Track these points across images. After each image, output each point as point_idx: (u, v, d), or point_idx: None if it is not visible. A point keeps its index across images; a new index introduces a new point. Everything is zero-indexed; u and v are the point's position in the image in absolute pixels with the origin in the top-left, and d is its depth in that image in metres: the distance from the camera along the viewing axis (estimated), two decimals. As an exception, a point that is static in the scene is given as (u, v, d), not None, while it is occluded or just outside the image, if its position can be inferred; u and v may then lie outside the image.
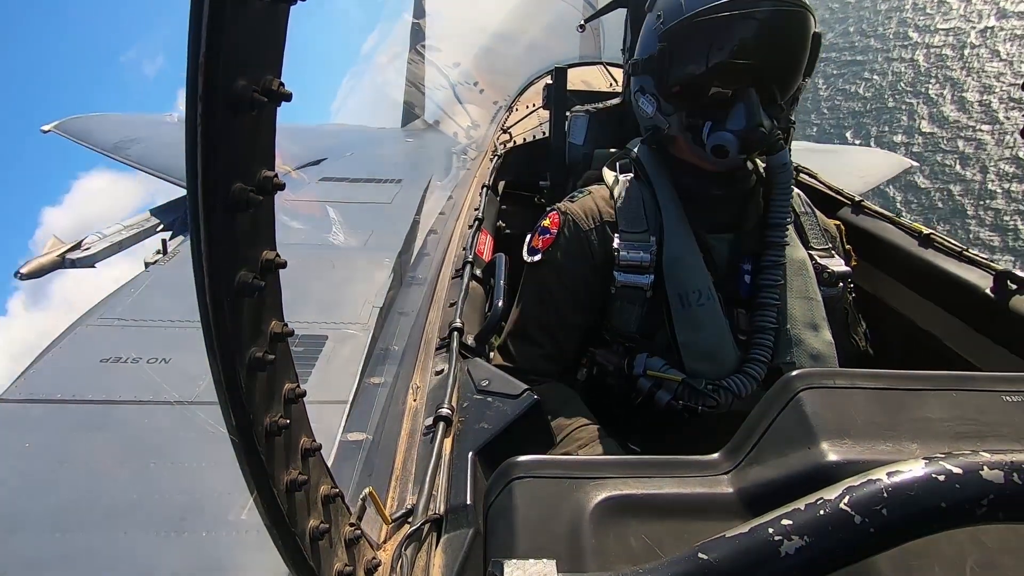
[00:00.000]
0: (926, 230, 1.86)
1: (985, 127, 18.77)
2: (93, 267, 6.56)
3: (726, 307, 1.48)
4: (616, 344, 1.51)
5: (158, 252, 5.51)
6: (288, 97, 0.59)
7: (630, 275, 1.46)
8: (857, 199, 2.12)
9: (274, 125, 0.60)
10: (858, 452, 0.66)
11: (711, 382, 1.42)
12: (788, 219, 1.51)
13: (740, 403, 1.42)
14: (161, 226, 7.17)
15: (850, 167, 8.67)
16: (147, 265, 5.10)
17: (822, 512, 0.43)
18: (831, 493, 0.44)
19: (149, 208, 7.56)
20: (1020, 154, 17.57)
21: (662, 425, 1.47)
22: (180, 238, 6.24)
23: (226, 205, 0.55)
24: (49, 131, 9.43)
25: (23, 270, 6.10)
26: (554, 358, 1.57)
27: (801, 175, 2.35)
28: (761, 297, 1.47)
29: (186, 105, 0.50)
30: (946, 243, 1.78)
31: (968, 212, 17.07)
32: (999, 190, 17.18)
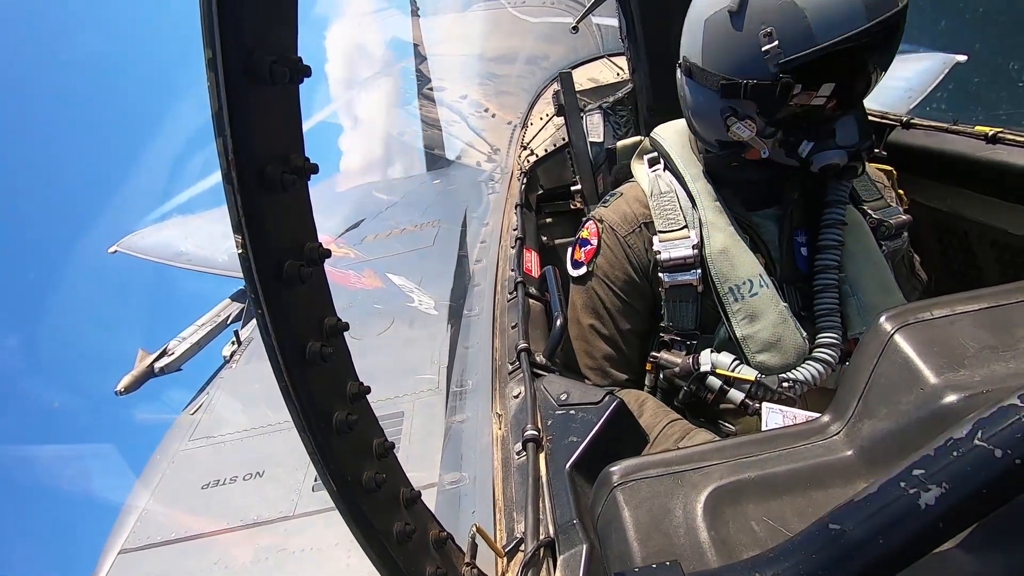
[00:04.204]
0: (991, 129, 1.72)
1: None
2: (180, 370, 7.02)
3: (784, 288, 1.41)
4: (677, 344, 1.46)
5: (233, 343, 5.84)
6: (315, 170, 0.62)
7: (676, 274, 1.41)
8: (906, 118, 1.99)
9: (308, 197, 0.63)
10: (978, 382, 0.61)
11: (785, 378, 1.34)
12: (845, 211, 1.40)
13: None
14: (231, 316, 7.62)
15: (889, 83, 8.06)
16: (225, 360, 5.41)
17: (955, 453, 0.39)
18: (960, 431, 0.40)
19: (229, 295, 8.08)
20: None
21: (743, 419, 1.40)
22: (251, 324, 6.59)
23: (282, 283, 0.58)
24: (116, 251, 10.07)
25: (119, 388, 6.57)
26: (621, 365, 1.54)
27: None
28: (818, 278, 1.38)
29: (227, 198, 0.53)
30: (1018, 137, 1.64)
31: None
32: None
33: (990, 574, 0.50)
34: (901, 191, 1.63)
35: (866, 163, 1.40)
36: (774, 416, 1.18)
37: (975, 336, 0.66)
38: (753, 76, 1.22)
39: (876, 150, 2.03)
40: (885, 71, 1.27)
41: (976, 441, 0.39)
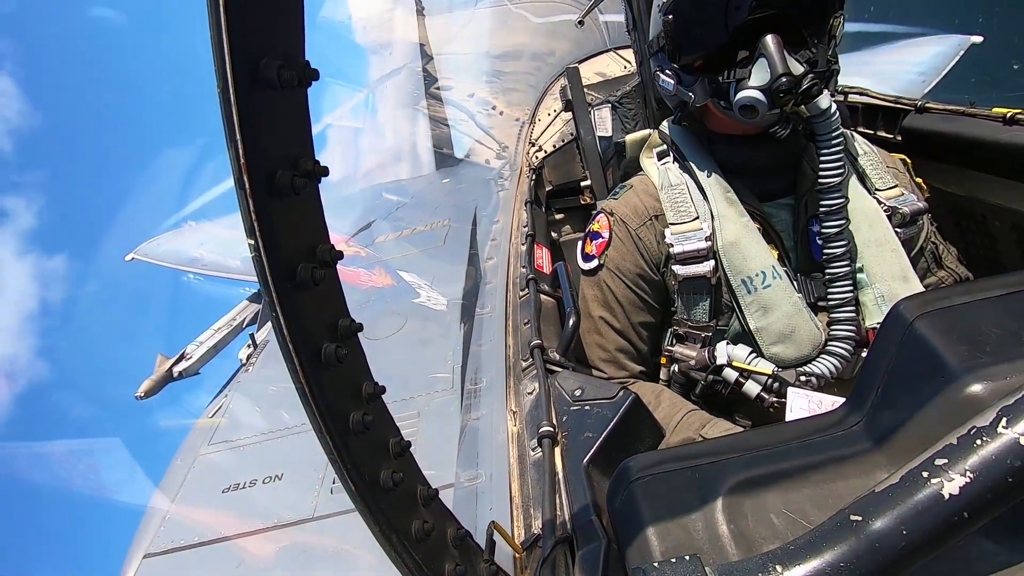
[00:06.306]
0: (1008, 110, 1.68)
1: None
2: (198, 373, 7.12)
3: (799, 279, 1.40)
4: (692, 337, 1.45)
5: (249, 346, 5.91)
6: (325, 172, 0.62)
7: (689, 266, 1.41)
8: (920, 102, 1.96)
9: (319, 200, 0.63)
10: (1002, 369, 0.59)
11: (802, 371, 1.33)
12: (841, 176, 1.37)
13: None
14: (247, 319, 7.71)
15: (903, 67, 7.91)
16: (241, 363, 5.48)
17: (979, 442, 0.39)
18: (983, 419, 0.40)
19: (246, 297, 8.17)
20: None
21: (759, 413, 1.40)
22: (267, 328, 6.66)
23: (295, 286, 0.59)
24: (133, 259, 10.21)
25: (140, 393, 6.68)
26: (634, 358, 1.53)
27: (850, 96, 2.21)
28: (830, 269, 1.37)
29: (239, 203, 0.54)
30: None
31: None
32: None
33: (1016, 564, 0.49)
34: (919, 179, 1.60)
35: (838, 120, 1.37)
36: (799, 400, 1.18)
37: (997, 322, 0.64)
38: (659, 30, 1.40)
39: (890, 136, 1.99)
40: (838, 8, 1.31)
41: (1000, 429, 0.38)
